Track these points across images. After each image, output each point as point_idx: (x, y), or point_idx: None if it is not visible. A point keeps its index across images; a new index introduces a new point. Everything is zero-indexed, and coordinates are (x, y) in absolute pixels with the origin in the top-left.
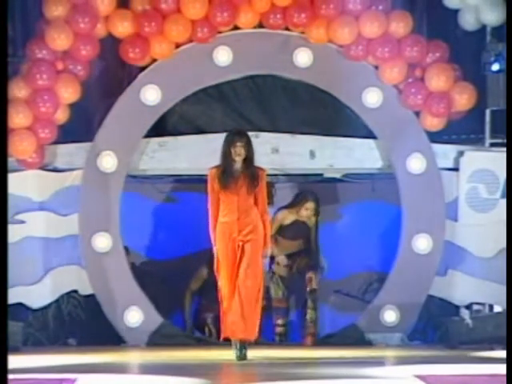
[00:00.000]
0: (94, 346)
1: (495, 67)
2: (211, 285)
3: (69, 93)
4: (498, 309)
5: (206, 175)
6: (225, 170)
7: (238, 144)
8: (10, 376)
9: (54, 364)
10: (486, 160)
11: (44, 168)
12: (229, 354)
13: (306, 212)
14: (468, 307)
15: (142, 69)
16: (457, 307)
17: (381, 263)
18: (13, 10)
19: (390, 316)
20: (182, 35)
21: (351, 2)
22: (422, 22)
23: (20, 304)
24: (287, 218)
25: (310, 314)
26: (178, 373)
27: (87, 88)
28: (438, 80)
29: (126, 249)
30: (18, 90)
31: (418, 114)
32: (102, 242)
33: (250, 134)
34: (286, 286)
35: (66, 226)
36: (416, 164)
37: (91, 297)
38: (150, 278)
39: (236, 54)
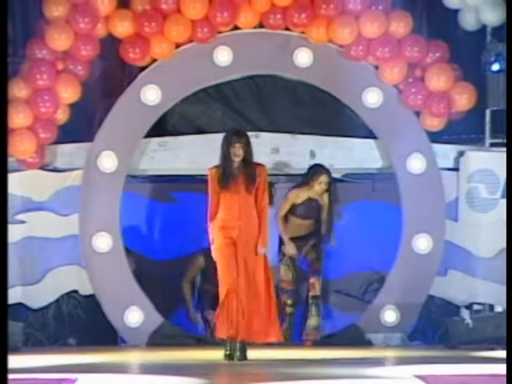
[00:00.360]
0: (93, 346)
1: (495, 67)
2: (209, 272)
3: (69, 93)
4: (498, 309)
5: (206, 175)
6: (224, 171)
7: (237, 145)
8: (10, 376)
9: (53, 364)
10: (486, 160)
11: (44, 168)
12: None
13: (320, 186)
14: (468, 307)
15: (142, 69)
16: (457, 307)
17: (381, 263)
18: (13, 10)
19: (390, 316)
20: (182, 35)
21: (351, 2)
22: (421, 22)
23: (20, 304)
24: (300, 196)
25: (312, 321)
26: (177, 373)
27: (87, 88)
28: (438, 80)
29: (126, 249)
30: (18, 90)
31: (418, 114)
32: (102, 242)
33: (250, 134)
34: (295, 268)
35: (66, 226)
36: (416, 164)
37: (91, 297)
38: (150, 278)
39: (236, 54)
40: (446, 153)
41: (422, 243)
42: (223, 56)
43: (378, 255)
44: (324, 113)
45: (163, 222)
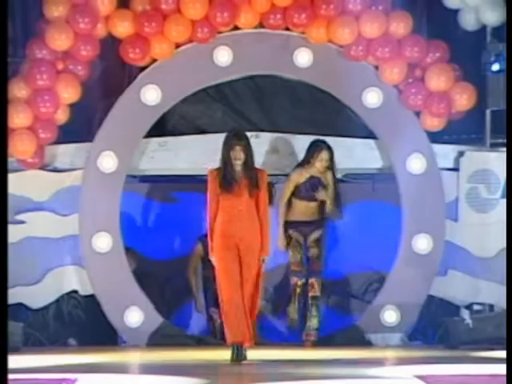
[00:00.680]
0: (93, 346)
1: (495, 67)
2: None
3: (69, 93)
4: (497, 309)
5: (205, 175)
6: (225, 174)
7: (237, 148)
8: (10, 376)
9: (53, 364)
10: (486, 160)
11: (44, 168)
12: (229, 354)
13: (321, 163)
14: (468, 307)
15: (142, 69)
16: (457, 307)
17: (381, 263)
18: (13, 10)
19: (390, 316)
20: (182, 35)
21: (351, 2)
22: (421, 22)
23: (20, 304)
24: (302, 175)
25: (312, 322)
26: (177, 373)
27: (87, 88)
28: (438, 80)
29: (126, 249)
30: (18, 90)
31: (418, 114)
32: (102, 242)
33: (249, 134)
34: (303, 249)
35: (66, 225)
36: (416, 164)
37: (91, 297)
38: (150, 278)
39: (236, 54)
40: (446, 153)
41: (422, 243)
42: (223, 56)
43: (378, 255)
44: (324, 113)
45: (163, 222)
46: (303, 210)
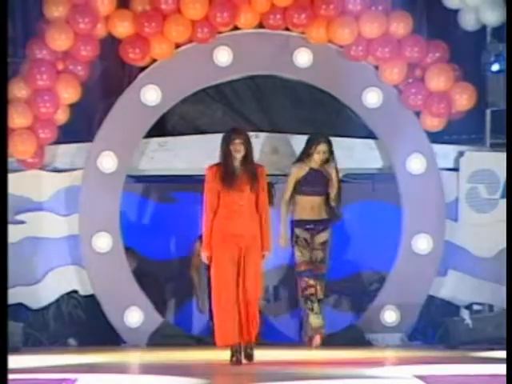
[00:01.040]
0: (93, 346)
1: (495, 67)
2: None
3: (69, 93)
4: (497, 309)
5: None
6: (226, 170)
7: (237, 141)
8: (10, 376)
9: (53, 364)
10: (486, 160)
11: (44, 168)
12: (229, 355)
13: (319, 156)
14: (468, 307)
15: (142, 69)
16: (457, 307)
17: (381, 263)
18: (13, 10)
19: (390, 316)
20: (182, 35)
21: (351, 2)
22: (421, 22)
23: (20, 304)
24: (302, 169)
25: (314, 319)
26: (177, 373)
27: (87, 88)
28: (438, 80)
29: (126, 249)
30: (18, 90)
31: (418, 114)
32: (102, 242)
33: (249, 134)
34: (310, 248)
35: (66, 226)
36: (416, 164)
37: (91, 297)
38: (149, 278)
39: (236, 54)
40: (446, 153)
41: (422, 243)
42: (223, 56)
43: (378, 255)
44: (324, 113)
45: (163, 222)
46: (309, 206)
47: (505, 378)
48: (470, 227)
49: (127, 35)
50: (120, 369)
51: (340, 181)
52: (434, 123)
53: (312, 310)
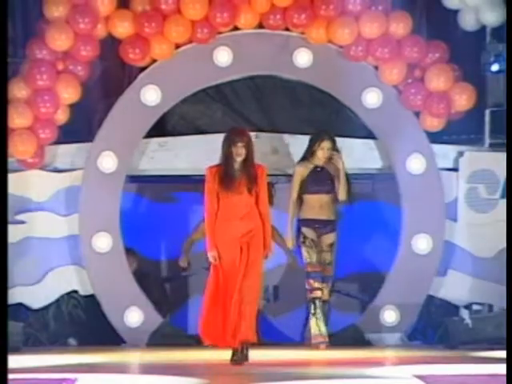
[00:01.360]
0: (93, 345)
1: (495, 67)
2: None
3: (69, 93)
4: (497, 309)
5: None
6: (225, 172)
7: (239, 144)
8: (10, 376)
9: (53, 364)
10: (486, 160)
11: (44, 168)
12: (229, 354)
13: (322, 152)
14: (468, 307)
15: (142, 69)
16: (457, 307)
17: (381, 263)
18: (13, 10)
19: (390, 316)
20: (182, 36)
21: (351, 2)
22: (421, 22)
23: (20, 304)
24: (307, 167)
25: (314, 325)
26: (177, 373)
27: (87, 88)
28: (438, 80)
29: (126, 249)
30: (18, 90)
31: (417, 114)
32: (102, 242)
33: (249, 134)
34: (318, 249)
35: (66, 225)
36: (416, 164)
37: (91, 297)
38: (149, 278)
39: (236, 54)
40: (445, 153)
41: (422, 243)
42: (223, 56)
43: (378, 255)
44: (324, 113)
45: (163, 222)
46: (317, 205)
47: (505, 378)
48: (470, 227)
49: (127, 35)
50: (120, 369)
51: (348, 174)
52: (434, 123)
53: (314, 314)
